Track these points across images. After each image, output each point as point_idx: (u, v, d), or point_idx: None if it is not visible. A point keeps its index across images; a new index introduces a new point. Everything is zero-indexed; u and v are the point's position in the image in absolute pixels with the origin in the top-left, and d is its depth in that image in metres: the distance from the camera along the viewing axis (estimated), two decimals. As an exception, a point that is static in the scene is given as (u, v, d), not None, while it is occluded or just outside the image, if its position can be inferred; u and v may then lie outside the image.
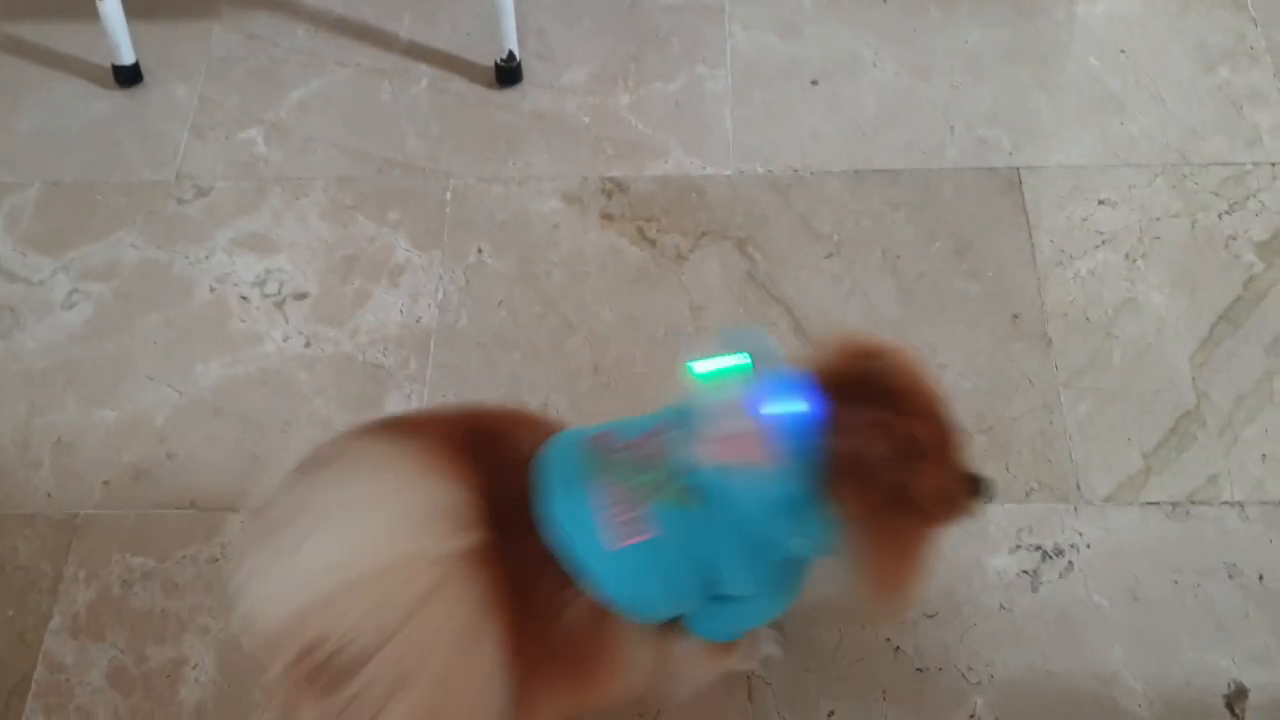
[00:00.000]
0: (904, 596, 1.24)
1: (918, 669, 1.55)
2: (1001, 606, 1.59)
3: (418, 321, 1.86)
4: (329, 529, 1.08)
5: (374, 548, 1.08)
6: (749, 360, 1.13)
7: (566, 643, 1.18)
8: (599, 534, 1.15)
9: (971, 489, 1.20)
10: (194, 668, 1.57)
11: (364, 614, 1.05)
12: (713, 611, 1.28)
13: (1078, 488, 1.67)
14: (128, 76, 2.17)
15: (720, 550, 1.18)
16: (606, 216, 1.96)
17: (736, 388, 1.11)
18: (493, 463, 1.19)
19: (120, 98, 2.17)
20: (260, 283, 1.91)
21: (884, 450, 1.10)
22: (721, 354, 1.14)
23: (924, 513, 1.15)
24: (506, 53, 2.10)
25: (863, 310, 1.84)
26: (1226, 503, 1.66)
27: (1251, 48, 2.12)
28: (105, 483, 1.72)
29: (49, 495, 1.72)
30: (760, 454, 1.09)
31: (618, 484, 1.17)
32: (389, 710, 1.07)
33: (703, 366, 1.13)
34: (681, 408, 1.15)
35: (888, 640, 1.56)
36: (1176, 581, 1.60)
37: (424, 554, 1.09)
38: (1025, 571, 1.61)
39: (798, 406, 1.11)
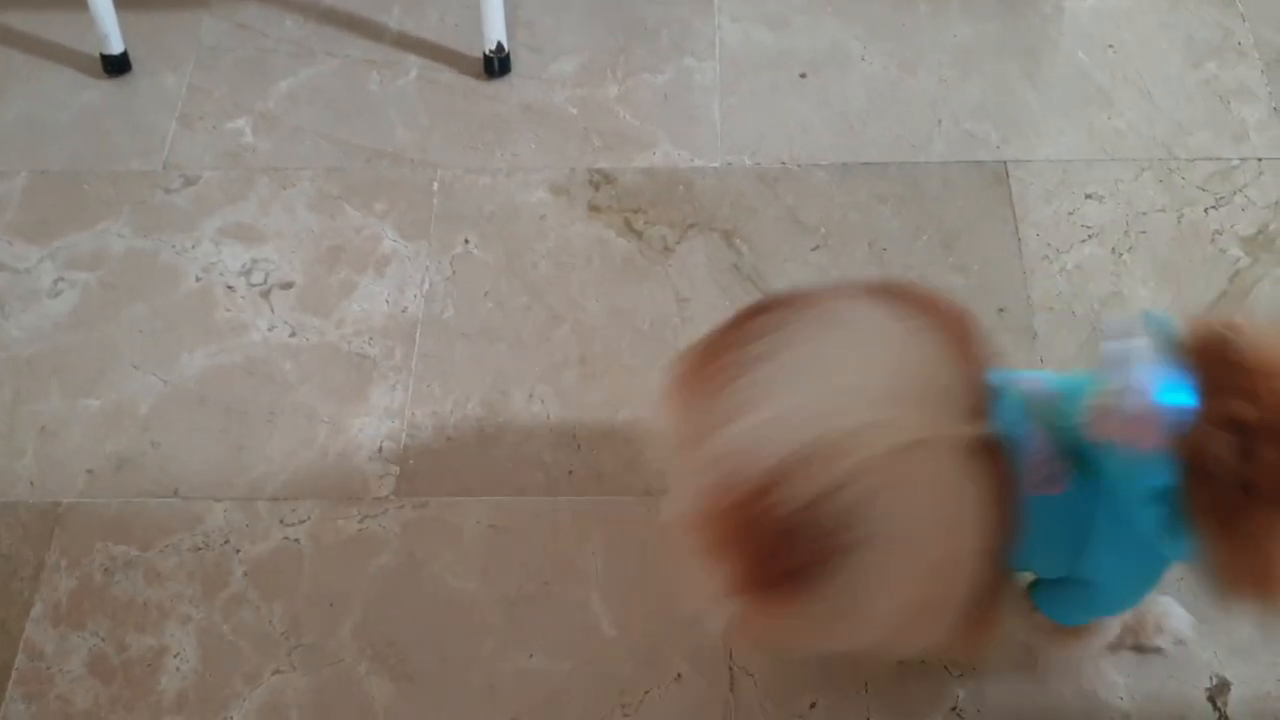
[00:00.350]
0: (1270, 596, 1.13)
1: (900, 662, 1.55)
2: (984, 599, 1.59)
3: (404, 312, 1.86)
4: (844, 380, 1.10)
5: (889, 411, 1.08)
6: (1155, 343, 1.10)
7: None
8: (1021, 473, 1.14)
9: None
10: (175, 656, 1.57)
11: (868, 468, 1.03)
12: (1065, 592, 1.29)
13: (1062, 481, 1.67)
14: (116, 66, 2.16)
15: (1095, 524, 1.18)
16: (594, 208, 1.96)
17: (1143, 369, 1.08)
18: (978, 363, 1.18)
19: (108, 87, 2.16)
20: (246, 272, 1.91)
21: (1229, 449, 1.04)
22: (1134, 334, 1.11)
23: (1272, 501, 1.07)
24: (495, 44, 2.10)
25: (849, 303, 1.84)
26: (1210, 497, 1.66)
27: (1239, 43, 2.12)
28: (89, 471, 1.72)
29: (31, 483, 1.72)
30: (1150, 439, 1.06)
31: (1046, 431, 1.16)
32: (867, 572, 1.06)
33: (1116, 344, 1.10)
34: (1095, 378, 1.13)
35: (870, 632, 1.57)
36: (1159, 575, 1.60)
37: (939, 429, 1.09)
38: (1008, 564, 1.61)
39: (1184, 398, 1.07)
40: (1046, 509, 1.17)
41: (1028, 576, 1.37)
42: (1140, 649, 1.53)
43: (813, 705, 1.52)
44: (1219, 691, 1.52)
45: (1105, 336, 1.12)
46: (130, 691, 1.55)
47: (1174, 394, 1.07)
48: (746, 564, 1.11)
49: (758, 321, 1.17)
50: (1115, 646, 1.52)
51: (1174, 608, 1.53)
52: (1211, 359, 1.08)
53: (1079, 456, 1.16)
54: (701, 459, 1.10)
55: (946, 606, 1.13)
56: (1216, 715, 1.50)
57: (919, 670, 1.54)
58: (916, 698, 1.52)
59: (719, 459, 1.07)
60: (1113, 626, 1.46)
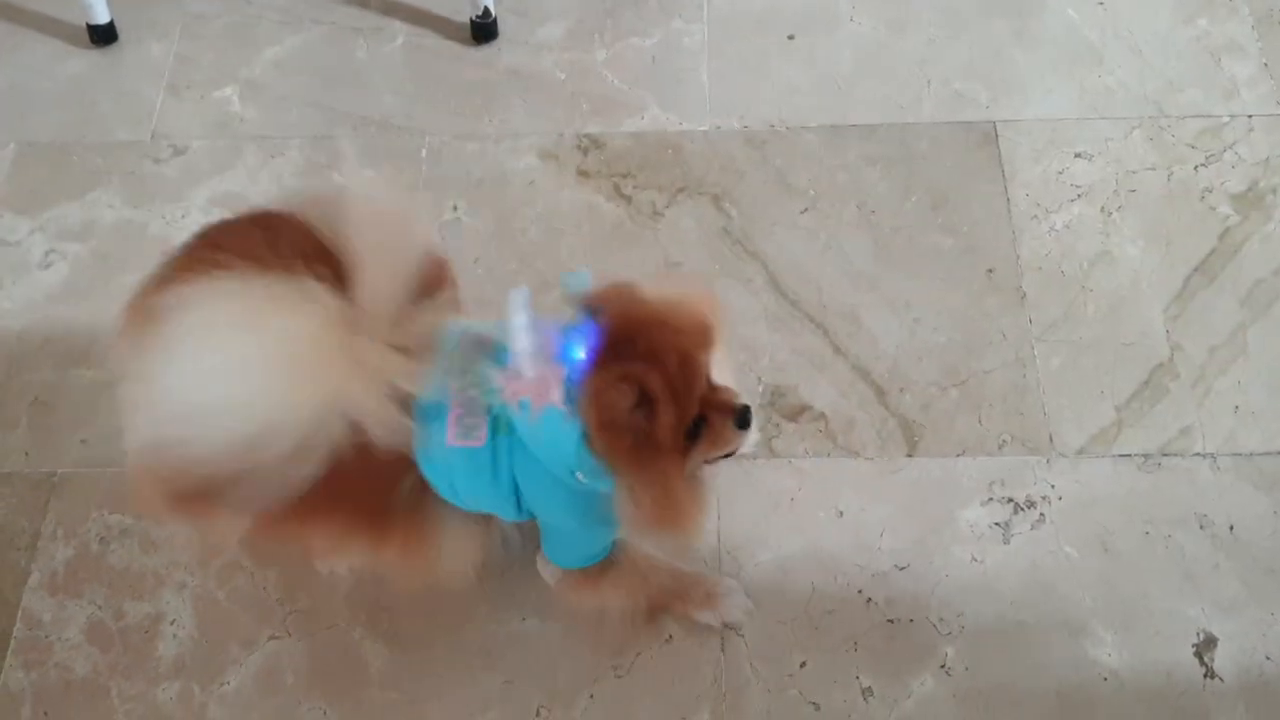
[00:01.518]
0: (675, 530, 1.28)
1: (889, 620, 1.56)
2: (973, 558, 1.60)
3: (393, 279, 1.86)
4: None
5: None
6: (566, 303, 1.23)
7: (392, 500, 1.30)
8: (441, 432, 1.25)
9: (735, 420, 1.25)
10: (171, 623, 1.59)
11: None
12: (548, 536, 1.42)
13: (1050, 440, 1.68)
14: (103, 35, 2.16)
15: (523, 476, 1.28)
16: (583, 173, 1.96)
17: (542, 331, 1.19)
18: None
19: (95, 57, 2.16)
20: (236, 241, 1.91)
21: (624, 400, 1.16)
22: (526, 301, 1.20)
23: (672, 450, 1.21)
24: (482, 9, 2.09)
25: (838, 264, 1.84)
26: (1198, 454, 1.67)
27: (1230, -1, 2.11)
28: (83, 441, 1.73)
29: (26, 454, 1.73)
30: (550, 397, 1.19)
31: (468, 388, 1.25)
32: None
33: (516, 311, 1.19)
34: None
35: (859, 592, 1.58)
36: (1147, 533, 1.61)
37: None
38: (997, 524, 1.62)
39: (580, 355, 1.19)
40: (469, 459, 1.27)
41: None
42: (687, 618, 1.57)
43: (803, 665, 1.53)
44: (1206, 647, 1.53)
45: (509, 304, 1.19)
46: (128, 658, 1.57)
47: (572, 353, 1.19)
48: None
49: (204, 256, 1.25)
50: (654, 610, 1.55)
51: (735, 592, 1.57)
52: (616, 319, 1.19)
53: (503, 417, 1.26)
54: (136, 404, 1.23)
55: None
56: (1204, 671, 1.51)
57: (907, 629, 1.55)
58: (905, 656, 1.54)
59: (153, 414, 1.20)
60: (623, 589, 1.50)
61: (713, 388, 1.24)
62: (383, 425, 1.18)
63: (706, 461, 1.28)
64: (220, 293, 1.18)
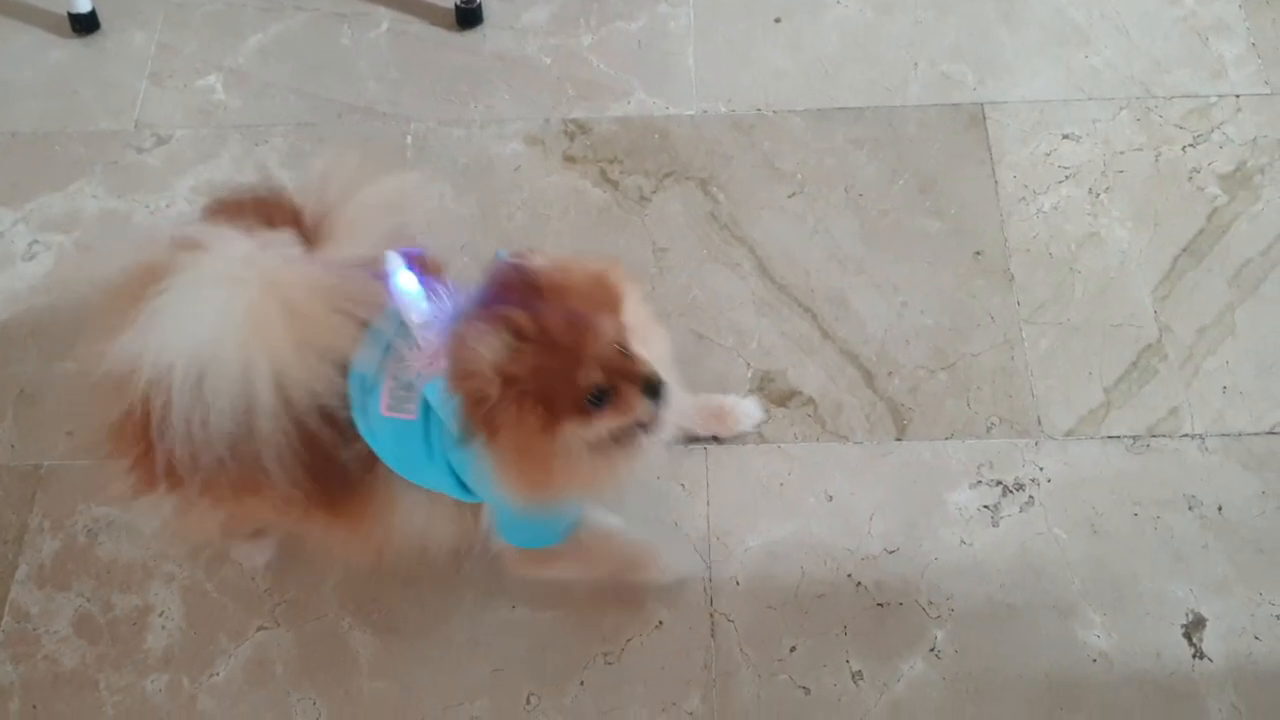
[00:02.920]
0: (548, 490, 1.26)
1: (879, 604, 1.56)
2: (962, 541, 1.60)
3: (380, 267, 1.85)
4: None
5: None
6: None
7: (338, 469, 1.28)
8: (378, 401, 1.25)
9: (643, 389, 1.23)
10: (160, 615, 1.58)
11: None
12: (500, 517, 1.37)
13: (1038, 422, 1.68)
14: (84, 24, 2.14)
15: (456, 455, 1.26)
16: (569, 158, 1.95)
17: (435, 305, 1.21)
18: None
19: (77, 46, 2.14)
20: (221, 231, 1.90)
21: (483, 346, 1.15)
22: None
23: (557, 409, 1.19)
24: (466, -6, 2.08)
25: (825, 248, 1.83)
26: (1187, 435, 1.67)
27: (1217, -22, 2.11)
28: (69, 433, 1.72)
29: (12, 446, 1.72)
30: (442, 365, 1.19)
31: (397, 367, 1.25)
32: None
33: (408, 282, 1.21)
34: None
35: (849, 576, 1.58)
36: (1136, 514, 1.61)
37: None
38: (986, 506, 1.62)
39: (446, 311, 1.21)
40: (402, 431, 1.26)
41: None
42: (721, 438, 1.65)
43: (793, 649, 1.53)
44: (1195, 627, 1.53)
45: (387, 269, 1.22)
46: (117, 650, 1.57)
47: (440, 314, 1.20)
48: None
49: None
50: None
51: (741, 402, 1.67)
52: (503, 281, 1.20)
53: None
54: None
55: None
56: (1193, 651, 1.52)
57: (897, 612, 1.55)
58: (895, 639, 1.54)
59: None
60: (573, 565, 1.50)
61: (624, 356, 1.22)
62: (305, 383, 1.18)
63: (616, 432, 1.24)
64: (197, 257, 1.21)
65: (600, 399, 1.20)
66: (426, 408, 1.25)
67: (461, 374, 1.16)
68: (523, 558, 1.47)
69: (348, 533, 1.36)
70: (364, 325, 1.23)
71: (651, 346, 1.27)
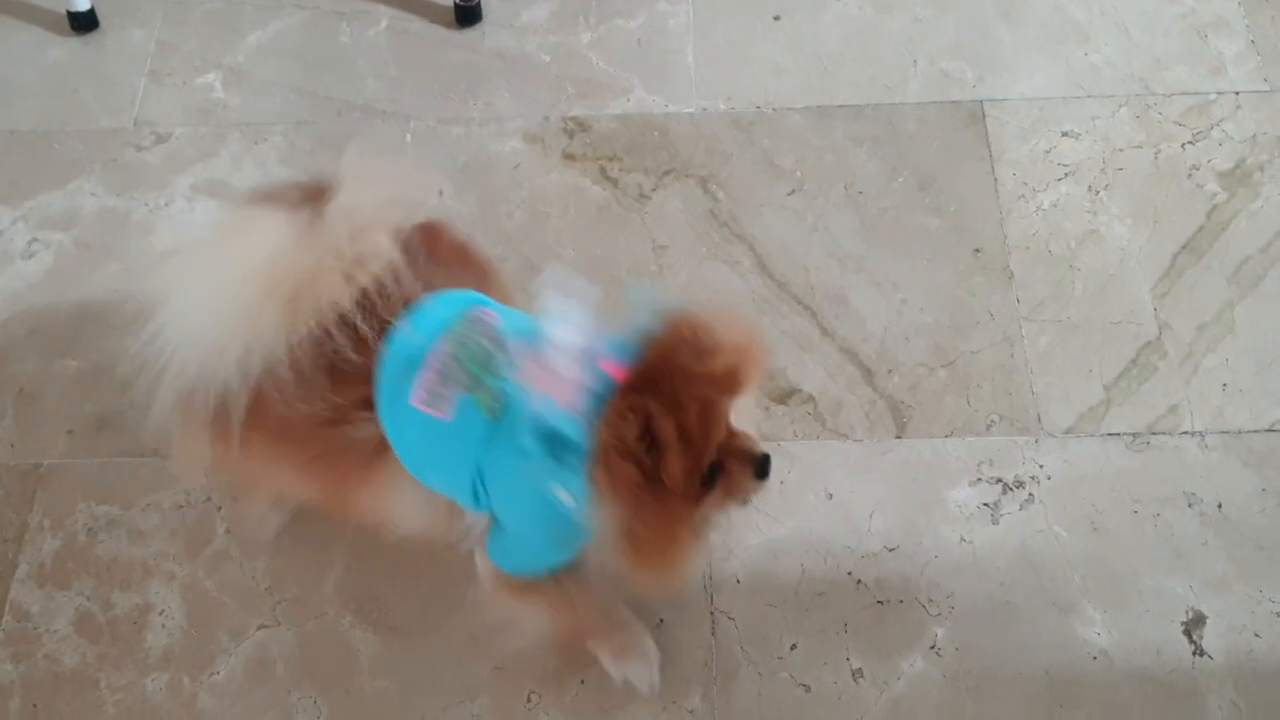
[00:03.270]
0: (663, 574, 1.24)
1: (879, 601, 1.56)
2: (962, 539, 1.60)
3: (379, 265, 1.85)
4: None
5: None
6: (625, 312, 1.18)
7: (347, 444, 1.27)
8: (411, 386, 1.22)
9: (754, 470, 1.20)
10: (160, 614, 1.58)
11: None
12: (497, 534, 1.34)
13: (1038, 420, 1.68)
14: (83, 23, 2.14)
15: (494, 464, 1.23)
16: (568, 156, 1.95)
17: (584, 333, 1.14)
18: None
19: (76, 44, 2.14)
20: (220, 229, 1.90)
21: (630, 431, 1.11)
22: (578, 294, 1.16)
23: (681, 496, 1.15)
24: (465, -8, 2.08)
25: (825, 246, 1.83)
26: (1186, 432, 1.67)
27: (1217, -25, 2.11)
28: (69, 432, 1.72)
29: (12, 445, 1.72)
30: (567, 397, 1.13)
31: (451, 356, 1.22)
32: None
33: (560, 303, 1.15)
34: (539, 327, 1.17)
35: (849, 574, 1.58)
36: (1136, 511, 1.61)
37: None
38: (985, 504, 1.62)
39: (609, 370, 1.14)
40: (427, 428, 1.23)
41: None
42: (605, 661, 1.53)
43: (793, 647, 1.53)
44: (1195, 625, 1.54)
45: (549, 287, 1.15)
46: (118, 649, 1.57)
47: (606, 367, 1.14)
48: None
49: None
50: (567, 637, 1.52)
51: (648, 657, 1.51)
52: (660, 353, 1.15)
53: (502, 395, 1.20)
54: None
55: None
56: (1193, 648, 1.52)
57: (897, 610, 1.55)
58: (895, 637, 1.54)
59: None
60: (548, 610, 1.44)
61: (732, 433, 1.19)
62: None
63: (719, 509, 1.24)
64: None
65: (712, 478, 1.18)
66: (466, 413, 1.22)
67: (607, 450, 1.12)
68: (502, 583, 1.41)
69: (346, 504, 1.38)
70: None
71: (746, 411, 1.24)
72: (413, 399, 1.22)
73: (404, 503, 1.34)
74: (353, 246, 1.23)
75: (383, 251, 1.24)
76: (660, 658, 1.51)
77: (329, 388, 1.24)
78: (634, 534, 1.17)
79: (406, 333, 1.24)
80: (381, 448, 1.27)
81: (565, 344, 1.13)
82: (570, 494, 1.17)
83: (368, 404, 1.25)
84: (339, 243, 1.22)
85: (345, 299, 1.23)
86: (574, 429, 1.13)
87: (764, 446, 1.21)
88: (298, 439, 1.28)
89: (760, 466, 1.20)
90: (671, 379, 1.13)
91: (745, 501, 1.24)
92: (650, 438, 1.12)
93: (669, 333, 1.16)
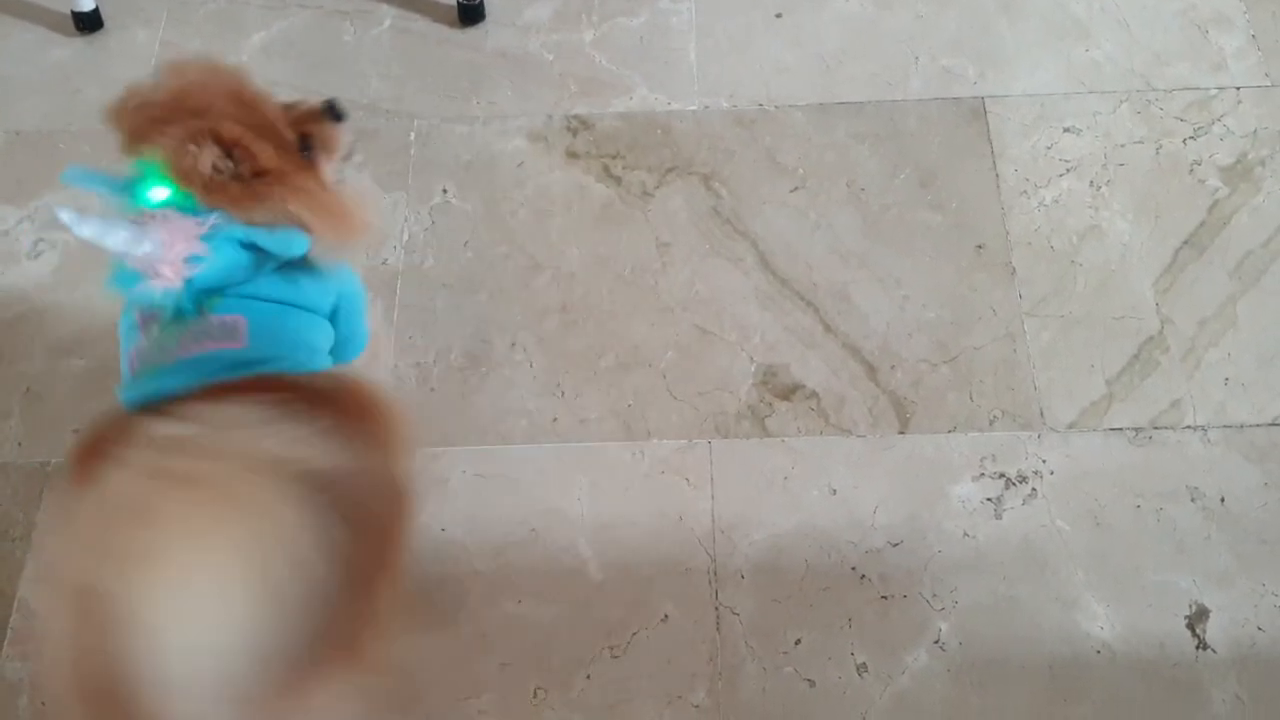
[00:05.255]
0: (354, 231, 1.33)
1: (883, 596, 1.57)
2: (965, 534, 1.60)
3: (384, 263, 1.86)
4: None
5: None
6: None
7: None
8: (228, 352, 1.20)
9: (328, 117, 1.34)
10: (168, 611, 1.59)
11: None
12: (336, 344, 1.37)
13: (1041, 415, 1.69)
14: (88, 23, 2.15)
15: (273, 292, 1.26)
16: (572, 154, 1.96)
17: (104, 244, 1.19)
18: None
19: (80, 44, 2.14)
20: (225, 228, 1.90)
21: (200, 158, 1.18)
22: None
23: (293, 169, 1.26)
24: (468, -10, 2.09)
25: (827, 242, 1.84)
26: (1189, 427, 1.67)
27: (1217, -29, 2.11)
28: (75, 431, 1.72)
29: (19, 444, 1.73)
30: (181, 245, 1.18)
31: (175, 344, 1.21)
32: None
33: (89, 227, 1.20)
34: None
35: (853, 569, 1.58)
36: (1139, 506, 1.62)
37: None
38: (989, 499, 1.63)
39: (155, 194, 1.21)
40: (267, 325, 1.24)
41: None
42: None
43: (797, 642, 1.54)
44: (1198, 619, 1.54)
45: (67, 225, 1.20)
46: (125, 647, 1.57)
47: (144, 198, 1.21)
48: None
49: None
50: None
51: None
52: (146, 131, 1.22)
53: (198, 295, 1.22)
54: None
55: None
56: (1196, 642, 1.52)
57: (901, 604, 1.56)
58: (899, 632, 1.54)
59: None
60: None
61: (287, 108, 1.31)
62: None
63: (331, 169, 1.35)
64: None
65: (308, 148, 1.30)
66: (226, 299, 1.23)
67: (207, 188, 1.19)
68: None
69: None
70: None
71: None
72: (236, 345, 1.21)
73: None
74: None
75: None
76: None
77: None
78: (302, 216, 1.25)
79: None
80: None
81: (124, 238, 1.18)
82: (256, 238, 1.23)
83: None
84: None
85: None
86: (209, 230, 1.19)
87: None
88: None
89: (330, 110, 1.34)
90: (182, 106, 1.21)
91: (346, 153, 1.42)
92: (225, 150, 1.20)
93: (146, 97, 1.24)
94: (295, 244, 1.26)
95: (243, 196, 1.22)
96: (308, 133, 1.30)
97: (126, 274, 1.20)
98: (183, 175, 1.19)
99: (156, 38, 2.14)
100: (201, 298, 1.21)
